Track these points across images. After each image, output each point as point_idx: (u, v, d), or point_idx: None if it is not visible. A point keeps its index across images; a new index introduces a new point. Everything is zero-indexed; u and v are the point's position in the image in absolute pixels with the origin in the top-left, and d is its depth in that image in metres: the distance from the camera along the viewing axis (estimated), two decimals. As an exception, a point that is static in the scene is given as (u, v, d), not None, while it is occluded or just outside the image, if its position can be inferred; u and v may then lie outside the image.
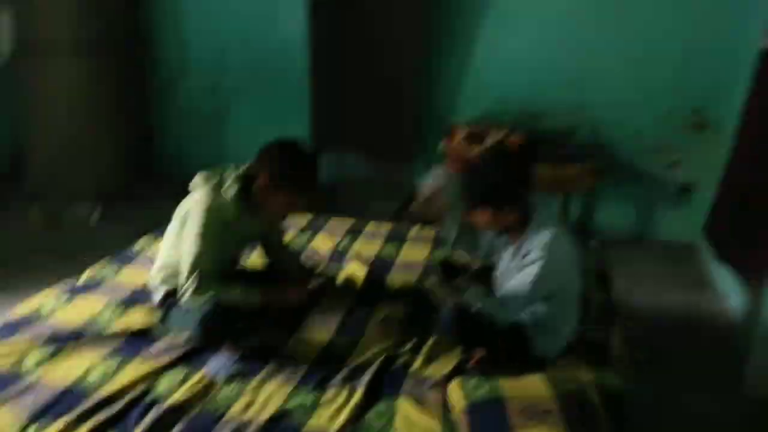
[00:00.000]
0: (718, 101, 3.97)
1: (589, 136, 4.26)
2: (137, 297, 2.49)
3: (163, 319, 2.28)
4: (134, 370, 2.03)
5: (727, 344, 3.03)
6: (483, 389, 1.79)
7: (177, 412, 1.85)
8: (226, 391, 1.95)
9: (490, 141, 4.10)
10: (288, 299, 2.29)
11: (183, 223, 2.20)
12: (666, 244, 4.22)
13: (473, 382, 1.85)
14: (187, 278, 2.11)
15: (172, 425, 1.79)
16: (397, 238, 3.05)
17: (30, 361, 2.07)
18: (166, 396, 1.92)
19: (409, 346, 2.16)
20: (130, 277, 2.67)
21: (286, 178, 2.11)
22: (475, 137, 4.19)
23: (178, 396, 1.91)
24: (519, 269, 2.00)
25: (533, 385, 1.79)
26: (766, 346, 2.53)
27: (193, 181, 2.22)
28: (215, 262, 2.16)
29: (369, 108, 4.61)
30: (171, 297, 2.26)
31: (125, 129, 4.88)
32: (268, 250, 2.52)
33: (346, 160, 4.84)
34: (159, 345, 2.17)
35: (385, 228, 3.18)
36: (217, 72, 4.89)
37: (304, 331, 2.28)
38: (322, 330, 2.28)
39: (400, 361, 2.09)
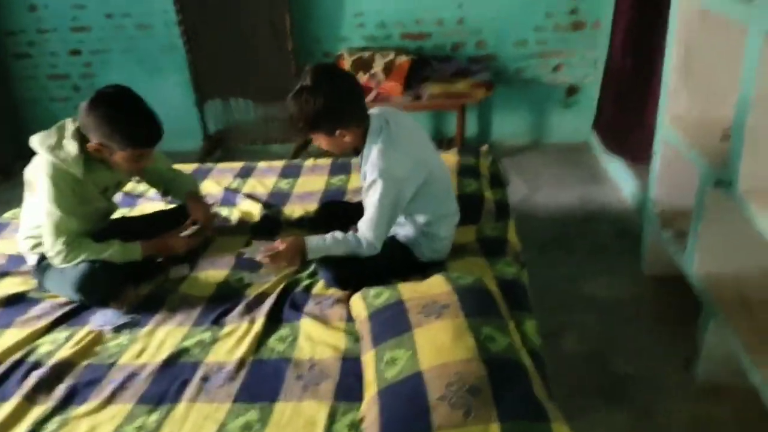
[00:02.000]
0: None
1: (474, 50, 4.26)
2: (9, 265, 2.28)
3: (40, 284, 2.09)
4: (12, 336, 1.87)
5: (624, 231, 3.14)
6: (383, 296, 1.74)
7: (64, 367, 1.71)
8: (115, 341, 1.83)
9: (377, 66, 4.03)
10: (172, 247, 2.15)
11: (31, 190, 2.01)
12: (560, 146, 4.32)
13: (374, 291, 1.80)
14: (53, 246, 1.94)
15: (60, 380, 1.66)
16: (291, 173, 2.93)
17: None
18: (51, 355, 1.77)
19: (310, 270, 2.09)
20: (1, 246, 2.44)
21: (116, 140, 1.89)
22: (362, 64, 4.09)
23: (64, 353, 1.77)
24: (365, 192, 1.89)
25: (432, 285, 1.76)
26: (654, 224, 2.63)
27: (30, 144, 1.97)
28: (80, 222, 1.99)
29: (248, 51, 4.39)
30: (45, 260, 2.07)
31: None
32: (164, 186, 2.34)
33: (234, 107, 4.63)
34: (38, 309, 2.00)
35: (279, 164, 3.05)
36: (78, 33, 4.51)
37: (197, 272, 2.16)
38: (216, 269, 2.17)
39: (302, 285, 2.02)
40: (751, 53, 1.76)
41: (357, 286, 1.93)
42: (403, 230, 2.02)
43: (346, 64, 4.12)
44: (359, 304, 1.77)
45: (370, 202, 1.85)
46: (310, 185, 2.79)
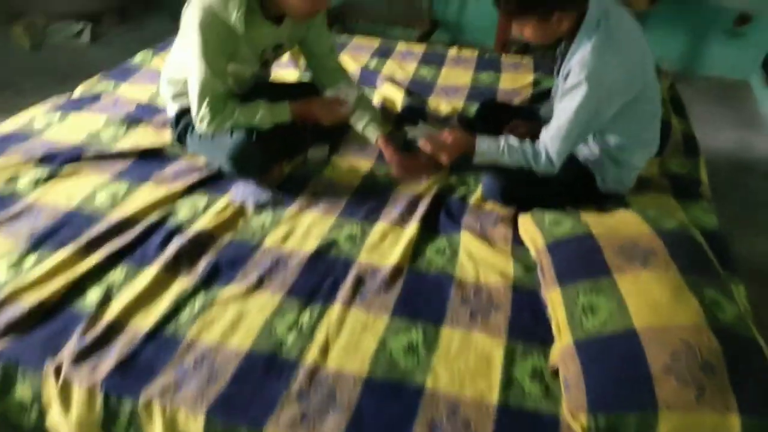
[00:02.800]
0: None
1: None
2: (142, 113, 2.12)
3: (180, 140, 1.91)
4: (148, 193, 1.72)
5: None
6: (564, 226, 1.48)
7: (205, 239, 1.55)
8: (259, 220, 1.65)
9: None
10: (317, 114, 1.82)
11: (183, 35, 1.75)
12: (718, 81, 3.79)
13: (550, 217, 1.54)
14: (198, 110, 1.72)
15: (200, 254, 1.51)
16: (433, 60, 2.62)
17: (24, 181, 1.75)
18: (190, 222, 1.61)
19: (465, 177, 1.83)
20: (131, 92, 2.28)
21: None
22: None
23: (205, 222, 1.60)
24: (560, 96, 1.56)
25: (625, 222, 1.48)
26: None
27: None
28: (228, 81, 1.76)
29: None
30: (186, 114, 1.88)
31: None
32: (317, 71, 2.01)
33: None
34: (174, 167, 1.83)
35: (419, 48, 2.73)
36: None
37: (339, 157, 1.94)
38: (359, 157, 1.94)
39: (457, 193, 1.78)
40: None
41: (522, 204, 1.68)
42: (588, 150, 1.71)
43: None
44: (532, 229, 1.52)
45: (565, 108, 1.53)
46: (455, 78, 2.48)
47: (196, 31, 1.64)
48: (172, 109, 1.93)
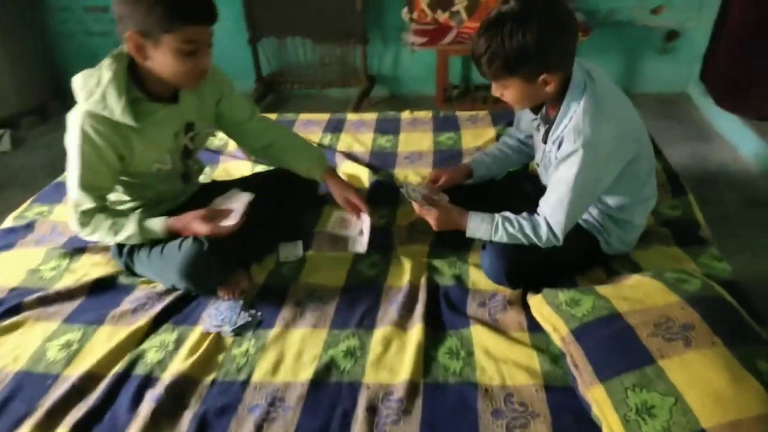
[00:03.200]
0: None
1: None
2: (83, 240, 1.88)
3: (128, 268, 1.69)
4: (106, 338, 1.49)
5: (754, 199, 2.71)
6: (584, 306, 1.34)
7: (183, 385, 1.34)
8: (241, 349, 1.44)
9: (459, 4, 3.51)
10: (203, 230, 1.54)
11: None
12: (656, 96, 3.83)
13: (565, 296, 1.40)
14: (71, 215, 1.54)
15: (182, 406, 1.29)
16: (389, 128, 2.49)
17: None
18: (161, 366, 1.39)
19: (453, 254, 1.68)
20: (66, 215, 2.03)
21: (158, 16, 1.35)
22: (440, 1, 3.57)
23: (179, 364, 1.39)
24: (555, 165, 1.44)
25: (648, 292, 1.34)
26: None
27: (72, 86, 1.48)
28: (109, 190, 1.58)
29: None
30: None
31: (18, 42, 3.94)
32: (248, 139, 1.84)
33: (290, 46, 4.12)
34: (131, 300, 1.61)
35: (371, 117, 2.60)
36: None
37: (317, 254, 1.76)
38: (337, 250, 1.77)
39: (449, 274, 1.62)
40: None
41: (528, 281, 1.54)
42: (588, 215, 1.60)
43: (422, 1, 3.60)
44: (548, 313, 1.37)
45: (563, 177, 1.40)
46: (416, 143, 2.35)
47: (71, 140, 1.47)
48: None
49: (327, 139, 2.42)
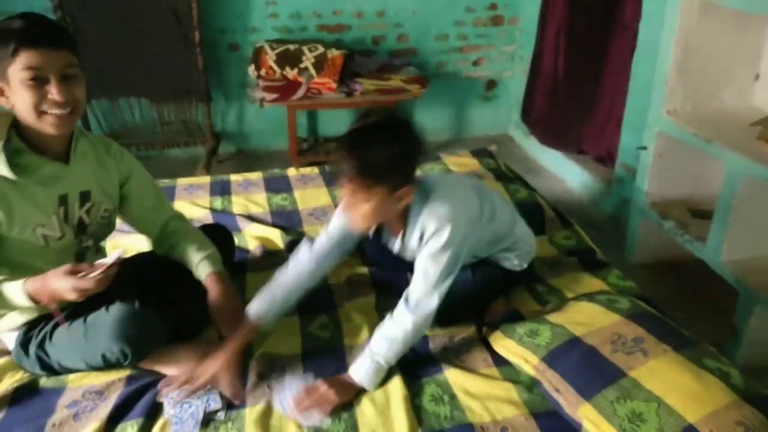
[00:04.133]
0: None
1: (395, 44, 4.05)
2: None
3: (42, 362, 1.47)
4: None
5: (588, 222, 3.14)
6: (543, 335, 1.49)
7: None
8: (222, 435, 1.33)
9: (307, 61, 3.61)
10: (67, 289, 1.26)
11: None
12: (482, 140, 4.27)
13: (522, 330, 1.54)
14: None
15: None
16: (279, 186, 2.49)
17: None
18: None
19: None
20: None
21: (2, 45, 1.27)
22: (289, 58, 3.64)
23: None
24: (423, 256, 1.49)
25: (591, 315, 1.54)
26: (646, 214, 2.64)
27: None
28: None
29: (143, 43, 3.66)
30: (35, 329, 1.47)
31: None
32: (144, 232, 1.71)
33: (124, 107, 3.86)
34: (66, 402, 1.40)
35: (256, 176, 2.56)
36: None
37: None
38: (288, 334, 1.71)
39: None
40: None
41: (455, 319, 1.66)
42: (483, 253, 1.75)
43: (269, 58, 3.66)
44: (514, 347, 1.50)
45: (435, 258, 1.46)
46: (314, 199, 2.39)
47: None
48: (9, 338, 1.49)
49: (218, 203, 2.33)
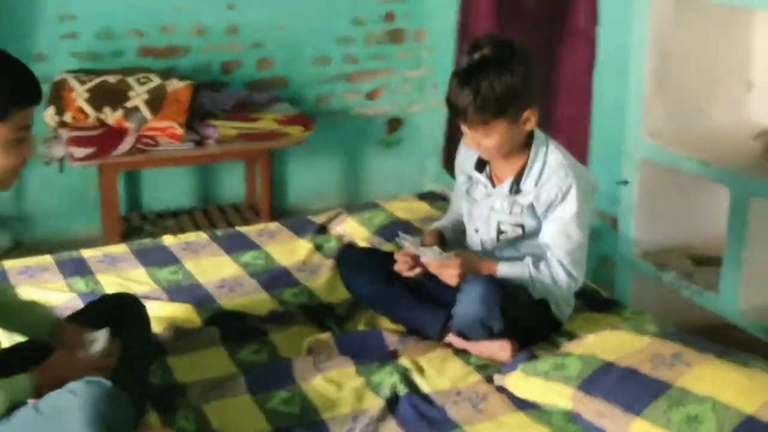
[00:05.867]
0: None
1: (255, 72, 4.75)
2: None
3: None
4: None
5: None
6: (572, 367, 2.15)
7: None
8: None
9: (136, 98, 4.09)
10: (73, 371, 1.92)
11: None
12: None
13: (545, 365, 2.21)
14: None
15: None
16: (161, 259, 3.08)
17: None
18: None
19: (388, 365, 2.35)
20: None
21: None
22: (108, 96, 3.96)
23: None
24: (549, 209, 2.43)
25: (616, 340, 2.26)
26: (639, 269, 3.45)
27: None
28: None
29: None
30: None
31: None
32: None
33: None
34: None
35: (118, 250, 3.13)
36: None
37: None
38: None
39: (390, 383, 2.26)
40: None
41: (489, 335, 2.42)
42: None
43: (77, 95, 4.02)
44: (540, 382, 2.15)
45: (566, 215, 2.41)
46: (216, 270, 3.01)
47: None
48: None
49: (81, 285, 2.82)
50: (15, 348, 2.21)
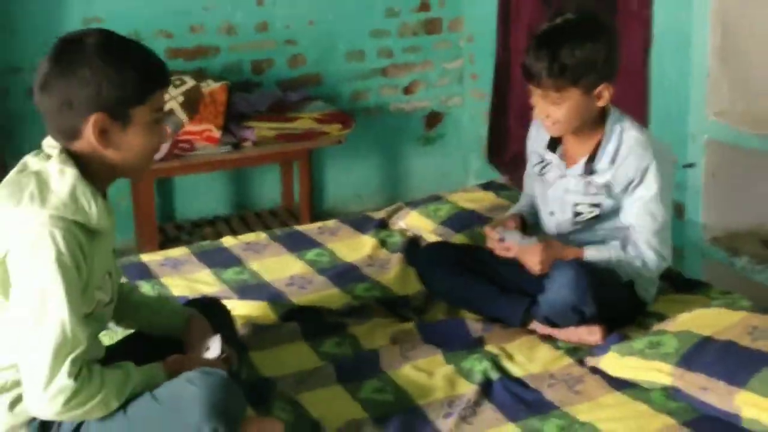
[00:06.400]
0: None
1: (288, 71, 4.92)
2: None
3: None
4: None
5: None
6: (668, 343, 2.31)
7: None
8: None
9: (171, 100, 4.25)
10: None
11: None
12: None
13: (640, 344, 2.37)
14: (48, 382, 1.86)
15: None
16: (223, 261, 3.26)
17: None
18: None
19: (476, 352, 2.52)
20: None
21: (130, 87, 1.98)
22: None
23: None
24: (630, 190, 2.57)
25: (710, 315, 2.43)
26: (710, 254, 3.62)
27: None
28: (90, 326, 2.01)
29: None
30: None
31: None
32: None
33: None
34: None
35: (179, 253, 3.33)
36: None
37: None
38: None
39: (481, 368, 2.42)
40: None
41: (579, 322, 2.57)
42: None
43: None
44: (636, 361, 2.32)
45: (648, 196, 2.55)
46: (282, 269, 3.18)
47: (45, 255, 1.86)
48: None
49: (148, 288, 2.99)
50: (121, 343, 2.44)
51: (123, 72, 1.96)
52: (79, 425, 2.01)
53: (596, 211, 2.66)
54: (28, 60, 4.44)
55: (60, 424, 2.01)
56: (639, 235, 2.58)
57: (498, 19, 4.78)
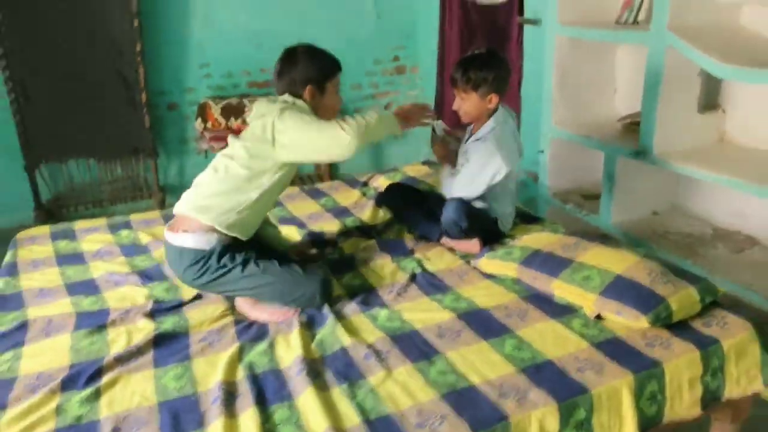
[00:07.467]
0: (411, 43, 5.14)
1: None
2: (99, 318, 2.16)
3: (227, 284, 2.18)
4: (210, 364, 1.90)
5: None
6: (515, 252, 2.35)
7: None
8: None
9: (250, 111, 4.31)
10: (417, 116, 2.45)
11: (262, 134, 2.12)
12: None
13: (499, 251, 2.44)
14: (335, 137, 2.06)
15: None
16: (315, 194, 3.40)
17: (71, 404, 1.73)
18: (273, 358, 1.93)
19: (409, 257, 2.56)
20: (48, 310, 2.23)
21: (327, 68, 2.28)
22: (232, 111, 4.37)
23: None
24: (470, 151, 2.59)
25: (539, 238, 2.47)
26: (550, 202, 3.68)
27: (255, 109, 2.25)
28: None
29: (92, 105, 4.22)
30: (228, 251, 2.18)
31: None
32: None
33: (73, 168, 4.37)
34: (199, 339, 2.04)
35: (293, 190, 3.45)
36: None
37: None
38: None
39: (411, 272, 2.44)
40: (653, 61, 2.92)
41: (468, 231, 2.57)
42: (482, 205, 2.66)
43: (214, 111, 4.35)
44: (496, 263, 2.37)
45: (472, 157, 2.57)
46: (306, 208, 3.18)
47: (285, 110, 2.12)
48: (201, 241, 2.17)
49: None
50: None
51: (320, 63, 2.27)
52: (229, 268, 2.16)
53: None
54: (167, 86, 4.45)
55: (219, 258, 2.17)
56: (459, 179, 2.65)
57: (437, 65, 4.84)
